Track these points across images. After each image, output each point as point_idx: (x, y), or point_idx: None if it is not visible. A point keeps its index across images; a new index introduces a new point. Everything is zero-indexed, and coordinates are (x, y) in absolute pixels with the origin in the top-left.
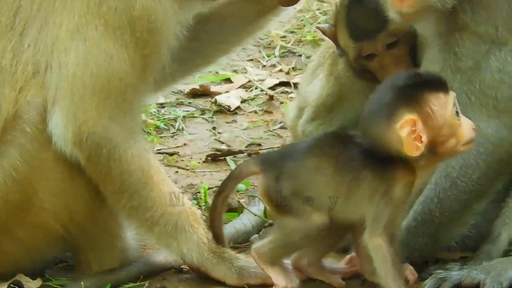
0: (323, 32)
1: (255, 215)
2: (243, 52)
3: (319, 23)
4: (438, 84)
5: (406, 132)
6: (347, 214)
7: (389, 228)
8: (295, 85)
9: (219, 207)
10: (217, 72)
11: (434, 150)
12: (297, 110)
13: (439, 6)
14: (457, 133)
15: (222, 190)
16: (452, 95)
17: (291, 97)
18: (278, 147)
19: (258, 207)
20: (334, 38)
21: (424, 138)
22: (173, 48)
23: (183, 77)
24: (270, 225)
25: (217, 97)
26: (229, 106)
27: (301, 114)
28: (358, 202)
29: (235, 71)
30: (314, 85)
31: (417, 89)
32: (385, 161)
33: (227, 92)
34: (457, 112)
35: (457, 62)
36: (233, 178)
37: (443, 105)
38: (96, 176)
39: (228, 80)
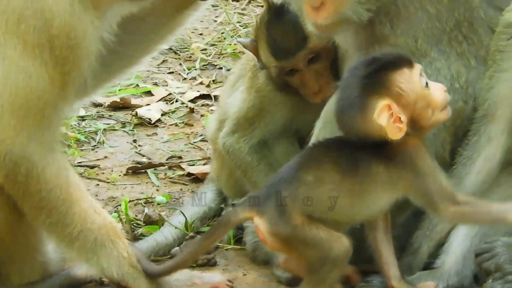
0: (245, 46)
1: (176, 227)
2: (163, 65)
3: (239, 36)
4: (399, 61)
5: (385, 119)
6: (364, 213)
7: (448, 190)
8: (216, 97)
9: (198, 251)
10: (137, 85)
11: (416, 126)
12: (217, 122)
13: (355, 18)
14: (431, 102)
15: (208, 237)
16: (417, 67)
17: (212, 110)
18: (198, 159)
19: (179, 220)
20: (255, 52)
21: (403, 118)
22: (94, 62)
23: (108, 81)
24: (191, 237)
25: (138, 110)
26: (149, 119)
27: (222, 126)
28: (376, 196)
29: (155, 84)
30: (234, 97)
31: (381, 73)
32: (383, 147)
33: (148, 105)
34: (426, 83)
35: None
36: (221, 227)
37: (409, 80)
38: (14, 193)
39: (148, 93)
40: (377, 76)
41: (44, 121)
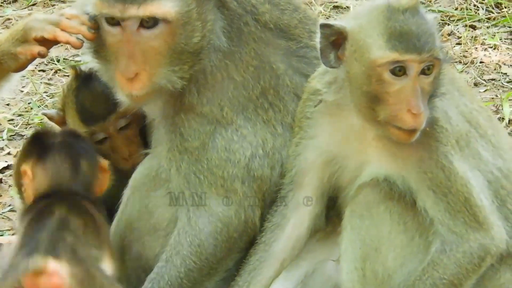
0: (50, 119)
1: None
2: None
3: (46, 106)
4: None
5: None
6: None
7: None
8: None
9: None
10: None
11: None
12: None
13: (169, 87)
14: None
15: None
16: None
17: None
18: (7, 230)
19: None
20: (62, 123)
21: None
22: None
23: None
24: None
25: None
26: None
27: None
28: None
29: None
30: None
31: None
32: None
33: None
34: None
35: (184, 143)
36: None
37: None
38: None
39: None
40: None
41: None
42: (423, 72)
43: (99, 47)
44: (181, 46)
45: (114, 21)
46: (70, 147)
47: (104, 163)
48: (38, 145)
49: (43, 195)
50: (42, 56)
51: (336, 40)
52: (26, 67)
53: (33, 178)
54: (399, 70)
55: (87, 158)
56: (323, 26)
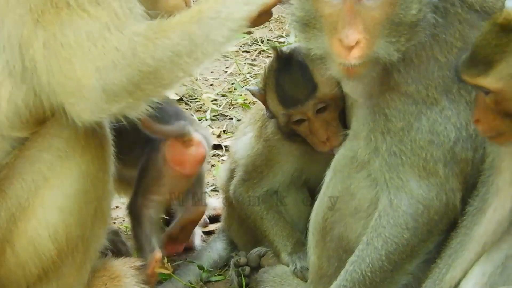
0: (253, 94)
1: (184, 284)
2: None
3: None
4: None
5: None
6: None
7: None
8: (226, 148)
9: None
10: None
11: None
12: (228, 172)
13: (386, 58)
14: None
15: None
16: None
17: (223, 160)
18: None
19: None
20: (263, 101)
21: None
22: None
23: None
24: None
25: None
26: None
27: (233, 176)
28: None
29: None
30: (242, 142)
31: None
32: None
33: None
34: None
35: (387, 124)
36: None
37: None
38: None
39: None
40: None
41: None
42: None
43: (311, 18)
44: (400, 16)
45: None
46: None
47: None
48: None
49: None
50: None
51: None
52: None
53: None
54: None
55: None
56: None
